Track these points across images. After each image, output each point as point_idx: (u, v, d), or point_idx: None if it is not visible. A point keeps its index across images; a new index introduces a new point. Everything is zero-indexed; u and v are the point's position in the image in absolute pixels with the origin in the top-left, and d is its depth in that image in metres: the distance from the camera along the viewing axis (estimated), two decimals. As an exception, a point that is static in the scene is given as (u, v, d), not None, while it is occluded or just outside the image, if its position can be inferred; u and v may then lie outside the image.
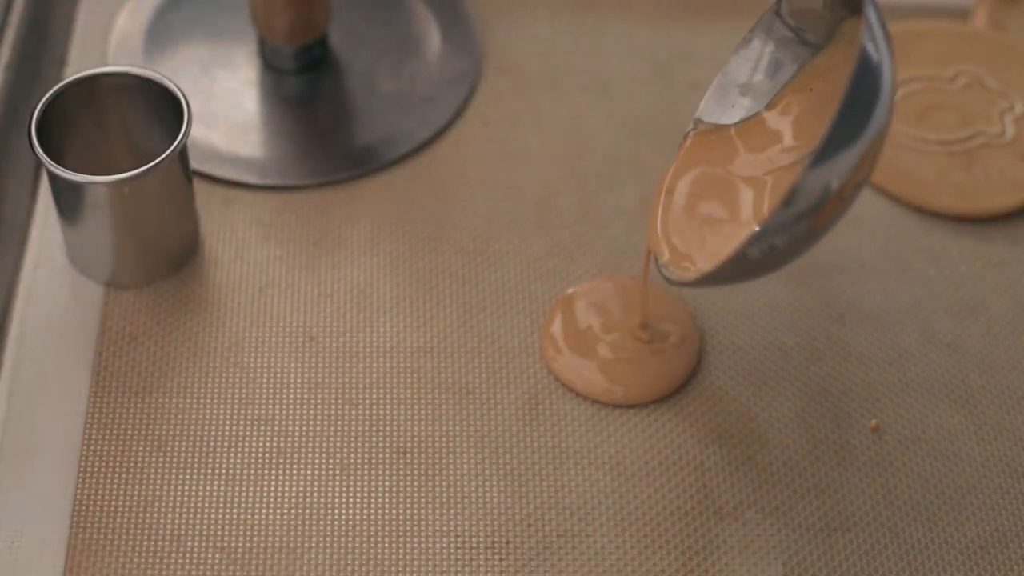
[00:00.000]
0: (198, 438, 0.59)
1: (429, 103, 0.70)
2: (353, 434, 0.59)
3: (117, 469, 0.58)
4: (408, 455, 0.59)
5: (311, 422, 0.59)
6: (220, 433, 0.59)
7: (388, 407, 0.60)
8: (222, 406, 0.60)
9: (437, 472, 0.58)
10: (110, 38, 0.72)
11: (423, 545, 0.56)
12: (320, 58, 0.71)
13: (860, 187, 0.51)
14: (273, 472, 0.58)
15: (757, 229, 0.50)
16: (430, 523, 0.57)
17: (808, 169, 0.48)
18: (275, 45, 0.70)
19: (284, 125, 0.70)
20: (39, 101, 0.59)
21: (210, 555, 0.56)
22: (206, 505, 0.57)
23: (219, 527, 0.56)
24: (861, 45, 0.49)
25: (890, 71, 0.50)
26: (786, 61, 0.57)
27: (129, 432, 0.59)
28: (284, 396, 0.60)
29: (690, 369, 0.62)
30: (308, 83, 0.71)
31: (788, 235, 0.50)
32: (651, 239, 0.57)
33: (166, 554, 0.55)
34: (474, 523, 0.57)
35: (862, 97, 0.49)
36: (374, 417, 0.60)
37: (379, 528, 0.57)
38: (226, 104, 0.69)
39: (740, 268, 0.52)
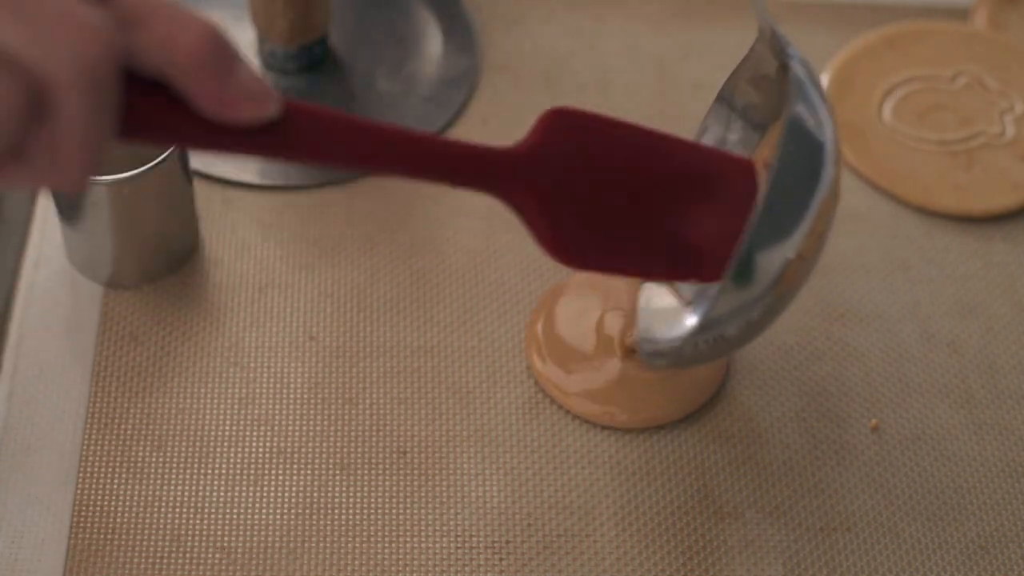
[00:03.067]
0: (198, 438, 0.59)
1: (429, 103, 0.70)
2: (353, 434, 0.59)
3: (117, 469, 0.58)
4: (408, 455, 0.59)
5: (311, 422, 0.59)
6: (220, 433, 0.59)
7: (388, 407, 0.60)
8: (222, 406, 0.60)
9: (437, 472, 0.58)
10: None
11: (423, 545, 0.56)
12: (320, 58, 0.71)
13: (823, 240, 0.50)
14: (273, 472, 0.58)
15: (704, 320, 0.49)
16: (430, 523, 0.57)
17: (748, 251, 0.47)
18: (275, 45, 0.70)
19: None
20: (39, 101, 0.59)
21: (210, 555, 0.56)
22: (206, 505, 0.57)
23: (219, 527, 0.56)
24: (788, 107, 0.48)
25: (828, 124, 0.48)
26: (747, 147, 0.57)
27: (129, 432, 0.59)
28: (284, 396, 0.60)
29: (713, 387, 0.61)
30: (308, 83, 0.71)
31: (760, 308, 0.50)
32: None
33: (166, 554, 0.55)
34: (474, 523, 0.57)
35: (797, 162, 0.48)
36: (374, 417, 0.60)
37: (379, 528, 0.57)
38: None
39: (721, 348, 0.51)
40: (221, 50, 0.39)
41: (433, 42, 0.73)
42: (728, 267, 0.48)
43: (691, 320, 0.53)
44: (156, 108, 0.39)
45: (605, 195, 0.49)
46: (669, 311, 0.56)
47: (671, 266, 0.51)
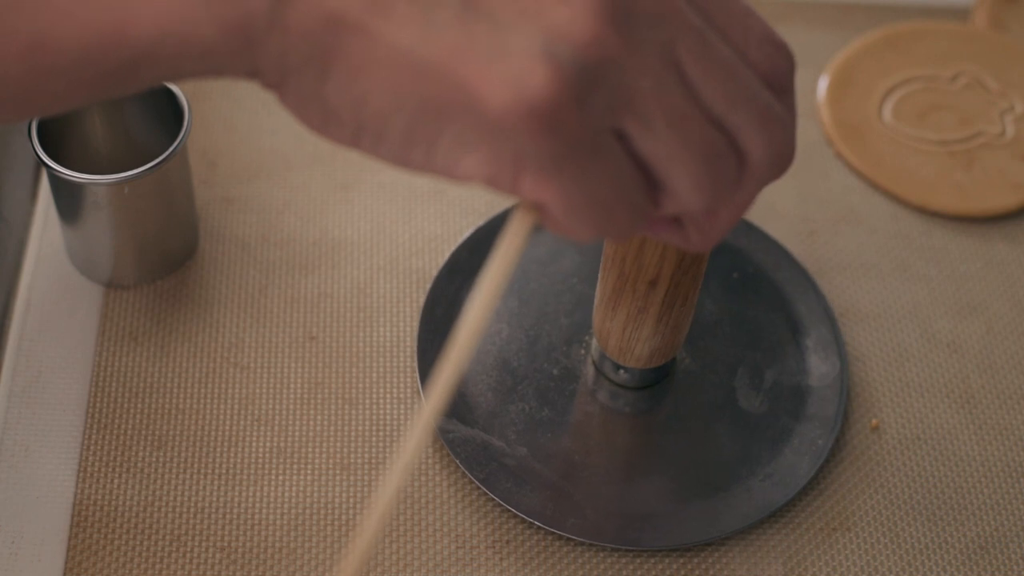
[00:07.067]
0: (198, 438, 0.59)
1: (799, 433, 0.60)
2: (353, 434, 0.59)
3: (117, 469, 0.58)
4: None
5: (311, 422, 0.59)
6: (220, 433, 0.59)
7: (388, 407, 0.60)
8: (222, 406, 0.60)
9: (437, 472, 0.58)
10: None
11: (423, 545, 0.56)
12: (667, 370, 0.60)
13: None
14: (273, 472, 0.58)
15: None
16: (430, 523, 0.57)
17: None
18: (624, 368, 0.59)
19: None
20: (39, 101, 0.59)
21: (210, 555, 0.56)
22: (206, 505, 0.57)
23: (219, 527, 0.56)
24: None
25: None
26: None
27: (129, 432, 0.59)
28: (284, 396, 0.60)
29: None
30: (649, 399, 0.61)
31: None
32: None
33: (166, 554, 0.55)
34: (474, 523, 0.57)
35: None
36: (374, 417, 0.60)
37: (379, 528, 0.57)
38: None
39: None
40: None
41: (795, 345, 0.62)
42: None
43: None
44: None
45: None
46: None
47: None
